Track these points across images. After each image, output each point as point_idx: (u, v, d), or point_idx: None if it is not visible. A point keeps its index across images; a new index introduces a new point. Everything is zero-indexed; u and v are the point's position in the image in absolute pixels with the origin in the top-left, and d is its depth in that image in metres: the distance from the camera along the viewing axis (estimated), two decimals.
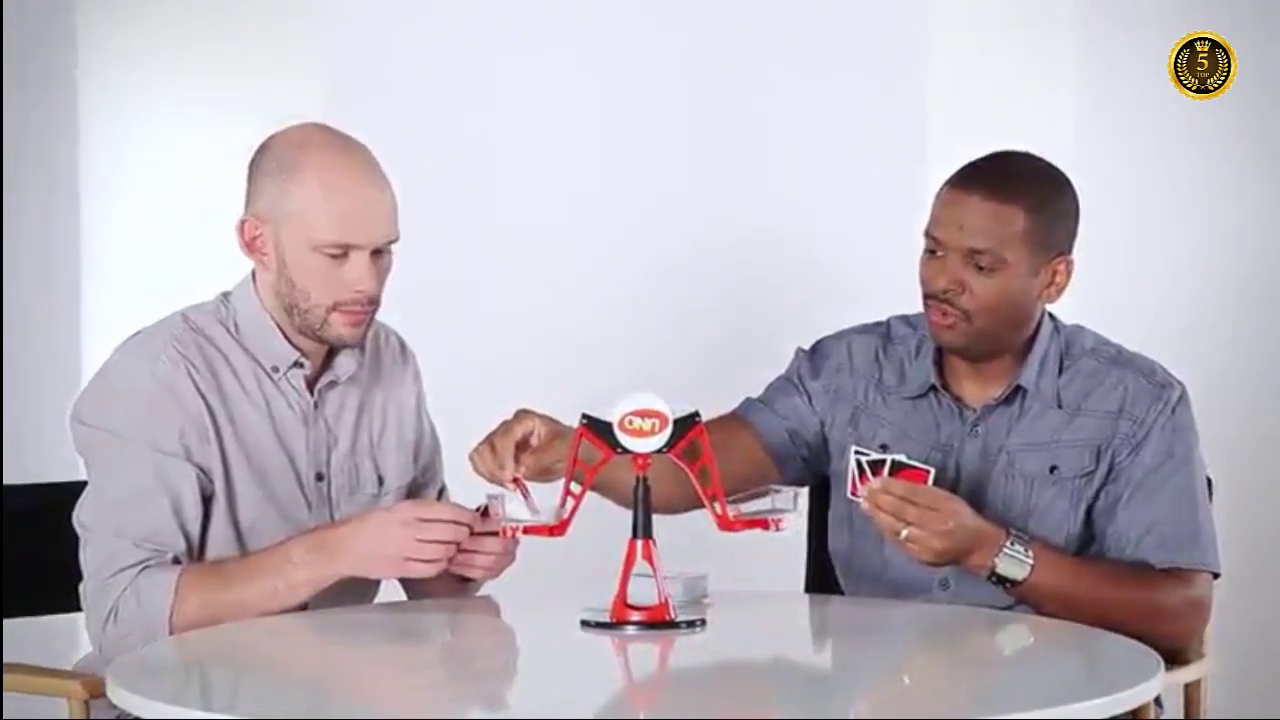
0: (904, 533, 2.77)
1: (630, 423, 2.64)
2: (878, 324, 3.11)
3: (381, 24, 4.17)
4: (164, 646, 2.67)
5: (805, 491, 2.75)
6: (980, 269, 2.91)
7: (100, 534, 2.79)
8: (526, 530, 2.71)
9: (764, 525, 2.71)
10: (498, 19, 4.17)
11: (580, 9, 4.18)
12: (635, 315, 4.16)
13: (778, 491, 2.74)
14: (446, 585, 2.94)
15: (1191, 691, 2.97)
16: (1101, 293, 3.99)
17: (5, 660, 2.95)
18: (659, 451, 2.65)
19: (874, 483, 2.77)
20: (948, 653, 2.69)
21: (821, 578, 3.17)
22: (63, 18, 4.19)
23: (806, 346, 3.13)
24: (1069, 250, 2.97)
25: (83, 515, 2.81)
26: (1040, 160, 2.99)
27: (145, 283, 4.16)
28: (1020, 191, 2.92)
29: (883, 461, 2.79)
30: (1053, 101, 4.23)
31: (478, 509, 2.78)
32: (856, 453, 2.80)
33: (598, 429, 2.65)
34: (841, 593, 3.08)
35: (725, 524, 2.70)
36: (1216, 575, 2.93)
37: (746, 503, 2.74)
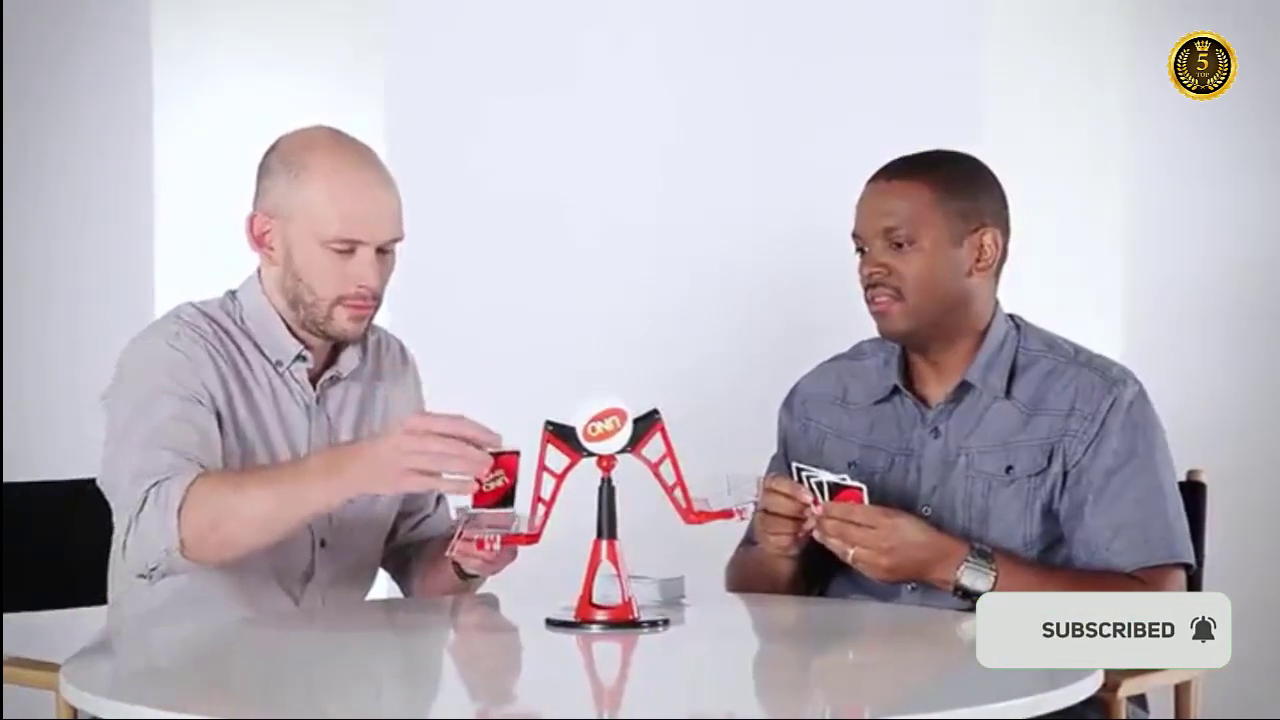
0: (850, 553, 2.82)
1: (593, 429, 2.68)
2: (848, 350, 3.17)
3: (446, 16, 4.22)
4: (134, 641, 2.70)
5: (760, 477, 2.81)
6: (899, 246, 2.96)
7: (126, 465, 2.79)
8: (505, 540, 2.73)
9: (729, 515, 2.75)
10: (566, 18, 4.22)
11: (643, 13, 4.22)
12: (689, 316, 4.18)
13: (738, 482, 2.77)
14: (448, 583, 3.00)
15: (1182, 692, 2.96)
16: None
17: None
18: (622, 451, 2.69)
19: (815, 510, 2.83)
20: (905, 651, 2.69)
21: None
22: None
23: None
24: (996, 224, 3.00)
25: (106, 473, 2.85)
26: (951, 150, 3.04)
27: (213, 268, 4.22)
28: (922, 169, 2.99)
29: (821, 483, 2.84)
30: (1101, 101, 4.22)
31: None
32: (796, 468, 2.88)
33: (561, 434, 2.69)
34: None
35: (690, 516, 2.73)
36: (1189, 567, 2.93)
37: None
